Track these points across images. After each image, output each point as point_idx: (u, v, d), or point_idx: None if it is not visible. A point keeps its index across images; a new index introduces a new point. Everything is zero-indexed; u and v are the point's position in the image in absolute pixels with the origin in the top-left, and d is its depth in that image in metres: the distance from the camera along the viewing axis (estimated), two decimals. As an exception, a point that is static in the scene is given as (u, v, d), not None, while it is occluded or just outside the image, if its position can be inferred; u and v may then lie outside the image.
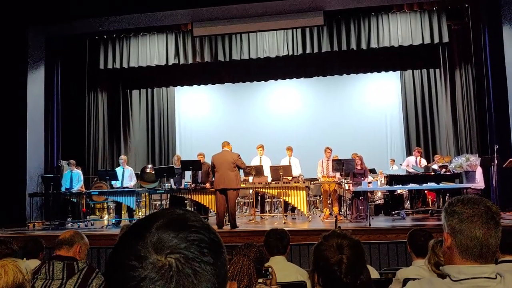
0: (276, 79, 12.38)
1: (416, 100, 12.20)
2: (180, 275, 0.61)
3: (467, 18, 10.14)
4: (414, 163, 9.27)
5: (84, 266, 2.61)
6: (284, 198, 8.26)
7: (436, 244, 2.48)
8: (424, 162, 9.41)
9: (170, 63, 11.07)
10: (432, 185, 7.74)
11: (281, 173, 8.09)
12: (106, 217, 9.69)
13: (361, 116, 12.78)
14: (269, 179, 8.38)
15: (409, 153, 11.27)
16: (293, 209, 8.97)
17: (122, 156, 9.46)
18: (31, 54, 9.56)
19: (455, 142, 11.18)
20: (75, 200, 8.75)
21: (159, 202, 10.24)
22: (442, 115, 11.60)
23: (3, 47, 9.24)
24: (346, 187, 8.33)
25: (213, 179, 7.80)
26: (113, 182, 8.94)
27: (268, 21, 9.57)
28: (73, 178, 9.01)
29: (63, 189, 8.88)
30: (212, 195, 7.93)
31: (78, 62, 11.30)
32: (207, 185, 8.30)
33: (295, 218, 8.92)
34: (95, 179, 10.30)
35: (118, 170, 9.05)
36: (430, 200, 9.34)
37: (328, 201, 8.72)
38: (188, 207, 8.80)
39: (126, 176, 9.00)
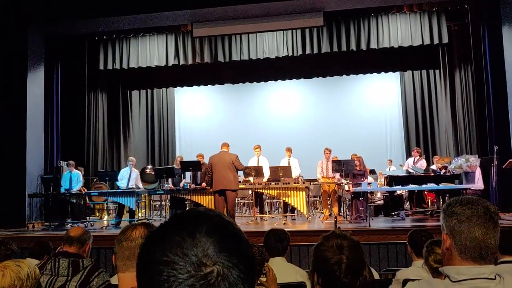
0: (276, 80, 12.37)
1: (416, 101, 12.20)
2: (219, 284, 0.63)
3: (466, 19, 10.14)
4: (412, 163, 9.25)
5: (89, 264, 2.60)
6: (284, 198, 8.26)
7: (431, 244, 2.49)
8: (423, 162, 9.30)
9: (170, 63, 11.07)
10: (431, 186, 7.74)
11: (281, 174, 8.09)
12: (106, 217, 9.68)
13: (361, 117, 12.78)
14: (265, 179, 8.37)
15: (408, 154, 11.26)
16: (293, 209, 8.96)
17: (132, 158, 9.35)
18: (31, 55, 9.55)
19: (455, 143, 11.17)
20: (74, 201, 8.73)
21: (158, 203, 10.26)
22: (442, 116, 11.60)
23: (3, 47, 9.24)
24: (346, 188, 8.32)
25: (210, 180, 7.78)
26: (118, 183, 8.92)
27: (268, 22, 9.57)
28: (73, 178, 8.99)
29: (62, 190, 8.88)
30: (212, 196, 7.92)
31: (78, 63, 11.30)
32: (203, 184, 8.29)
33: (294, 219, 8.91)
34: (95, 179, 10.30)
35: (125, 171, 9.02)
36: (429, 201, 9.33)
37: (328, 202, 8.71)
38: (187, 208, 8.79)
39: (133, 178, 8.96)
